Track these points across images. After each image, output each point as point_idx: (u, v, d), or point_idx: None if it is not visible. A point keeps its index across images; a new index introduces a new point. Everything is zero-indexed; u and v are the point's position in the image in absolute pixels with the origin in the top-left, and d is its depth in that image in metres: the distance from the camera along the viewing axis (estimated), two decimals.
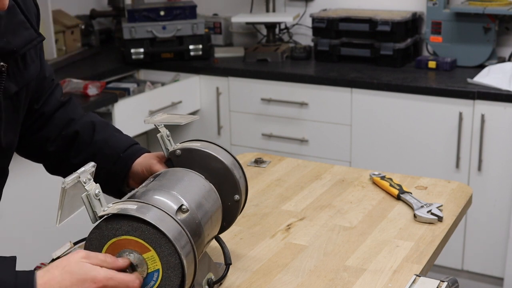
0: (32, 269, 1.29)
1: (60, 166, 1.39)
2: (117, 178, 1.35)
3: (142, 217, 0.98)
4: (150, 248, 0.99)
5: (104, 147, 1.35)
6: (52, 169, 1.42)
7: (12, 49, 1.14)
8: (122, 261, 0.99)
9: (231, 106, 3.24)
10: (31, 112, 1.34)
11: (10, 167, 1.30)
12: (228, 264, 1.21)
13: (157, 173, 1.21)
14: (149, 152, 1.37)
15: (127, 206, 1.00)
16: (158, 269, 1.00)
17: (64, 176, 1.31)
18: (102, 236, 1.00)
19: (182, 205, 1.09)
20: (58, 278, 0.95)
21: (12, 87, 1.18)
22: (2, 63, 1.12)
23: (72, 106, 1.42)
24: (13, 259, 1.00)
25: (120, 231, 0.99)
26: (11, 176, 1.31)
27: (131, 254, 0.99)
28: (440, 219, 1.49)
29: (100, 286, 0.95)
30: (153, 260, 1.00)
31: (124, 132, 1.44)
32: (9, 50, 1.14)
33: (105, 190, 1.35)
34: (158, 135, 1.27)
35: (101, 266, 0.97)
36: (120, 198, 1.36)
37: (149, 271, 1.00)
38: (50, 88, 1.39)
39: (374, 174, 1.71)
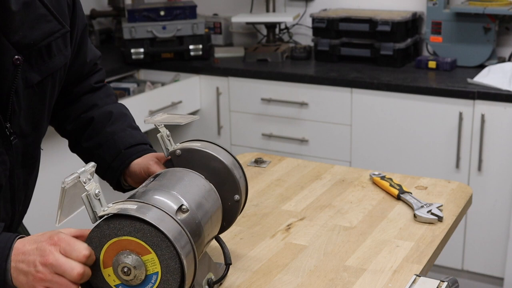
0: None
1: (75, 146, 1.45)
2: (115, 173, 1.36)
3: (142, 217, 0.97)
4: (151, 250, 0.99)
5: (110, 140, 1.38)
6: (71, 147, 1.47)
7: (29, 43, 1.17)
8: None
9: (231, 106, 3.24)
10: (64, 91, 1.38)
11: None
12: (228, 264, 1.21)
13: (157, 173, 1.21)
14: (155, 152, 1.37)
15: (127, 206, 1.00)
16: (157, 272, 1.00)
17: (79, 154, 1.43)
18: (103, 235, 1.00)
19: (182, 205, 1.09)
20: (27, 247, 1.02)
21: (35, 77, 1.21)
22: (16, 57, 1.15)
23: (102, 93, 1.46)
24: (0, 226, 1.06)
25: (122, 231, 0.99)
26: None
27: (129, 256, 0.99)
28: (440, 219, 1.49)
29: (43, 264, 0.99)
30: (153, 263, 0.99)
31: None
32: (25, 44, 1.16)
33: (104, 179, 1.40)
34: (158, 135, 1.28)
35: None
36: (120, 191, 1.40)
37: (148, 273, 1.00)
38: (91, 72, 1.44)
39: (374, 174, 1.71)
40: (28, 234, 1.48)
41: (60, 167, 2.49)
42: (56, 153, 2.51)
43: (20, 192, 1.27)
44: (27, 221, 1.46)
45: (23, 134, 1.22)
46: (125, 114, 1.45)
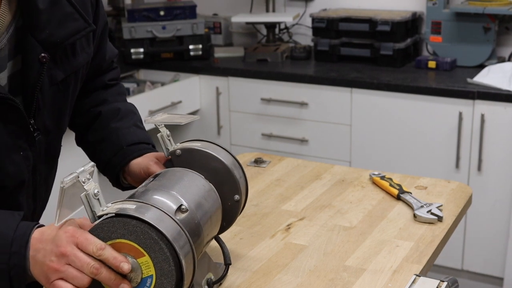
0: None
1: (81, 140, 1.46)
2: (114, 169, 1.37)
3: (141, 217, 0.97)
4: (145, 253, 0.98)
5: (113, 135, 1.39)
6: (77, 140, 1.48)
7: (56, 41, 1.18)
8: (112, 257, 0.98)
9: (231, 106, 3.24)
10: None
11: None
12: (227, 264, 1.21)
13: (157, 173, 1.21)
14: (156, 152, 1.37)
15: (126, 206, 1.00)
16: (152, 275, 0.99)
17: (84, 149, 1.45)
18: (98, 238, 0.99)
19: (181, 205, 1.09)
20: (44, 237, 1.02)
21: (60, 75, 1.22)
22: (43, 54, 1.16)
23: (114, 90, 1.48)
24: (20, 214, 1.06)
25: (116, 234, 0.98)
26: None
27: (127, 258, 0.99)
28: (440, 219, 1.48)
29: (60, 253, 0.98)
30: (147, 266, 0.98)
31: None
32: (52, 42, 1.17)
33: (104, 174, 1.41)
34: (158, 135, 1.27)
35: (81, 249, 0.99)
36: (119, 188, 1.40)
37: (143, 276, 0.99)
38: (107, 69, 1.46)
39: (374, 174, 1.71)
40: None
41: (69, 163, 2.47)
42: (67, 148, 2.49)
43: (41, 188, 1.28)
44: None
45: (46, 131, 1.23)
46: (133, 113, 1.46)
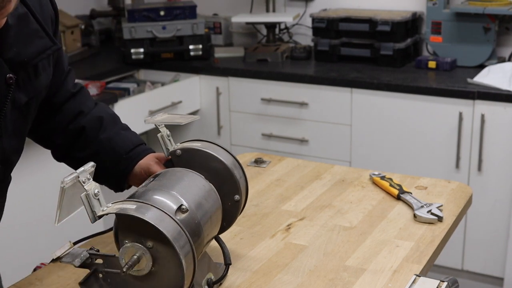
0: (32, 269, 1.30)
1: (66, 157, 1.39)
2: (118, 178, 1.35)
3: (141, 217, 0.97)
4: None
5: (108, 147, 1.34)
6: (58, 158, 1.40)
7: (23, 60, 1.11)
8: None
9: (231, 106, 3.24)
10: (45, 103, 1.30)
11: None
12: (227, 264, 1.21)
13: (157, 173, 1.21)
14: (154, 152, 1.36)
15: (126, 206, 1.00)
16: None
17: (70, 164, 1.36)
18: None
19: (181, 205, 1.09)
20: None
21: (22, 98, 1.15)
22: (10, 75, 1.09)
23: (82, 97, 1.39)
24: None
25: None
26: (12, 175, 1.31)
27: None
28: (440, 219, 1.49)
29: None
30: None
31: None
32: (19, 61, 1.10)
33: (105, 183, 1.36)
34: (159, 135, 1.28)
35: None
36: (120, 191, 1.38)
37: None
38: (64, 78, 1.36)
39: (374, 174, 1.71)
40: None
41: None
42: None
43: None
44: None
45: (5, 160, 1.16)
46: (113, 116, 1.40)
